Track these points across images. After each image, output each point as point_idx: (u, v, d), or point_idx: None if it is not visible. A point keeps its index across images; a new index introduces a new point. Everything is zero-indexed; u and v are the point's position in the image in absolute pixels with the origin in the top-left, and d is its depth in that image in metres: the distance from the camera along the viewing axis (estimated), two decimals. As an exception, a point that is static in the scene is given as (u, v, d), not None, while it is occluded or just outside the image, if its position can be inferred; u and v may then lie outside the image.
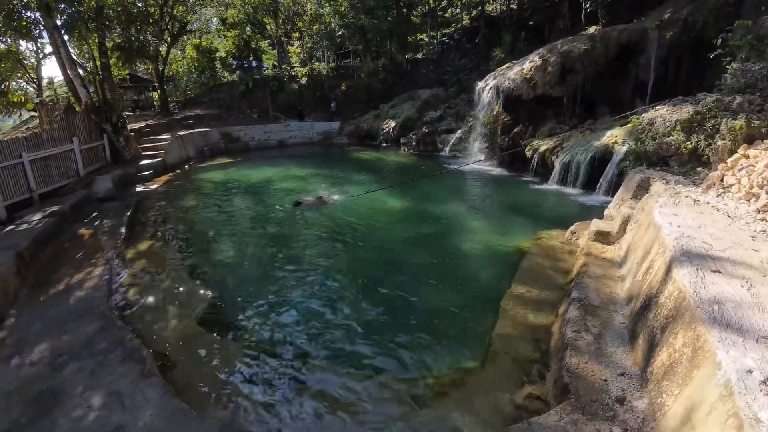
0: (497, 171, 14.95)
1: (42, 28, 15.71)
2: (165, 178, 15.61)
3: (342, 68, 32.64)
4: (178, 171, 17.16)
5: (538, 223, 8.87)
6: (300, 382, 4.51)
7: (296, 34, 35.74)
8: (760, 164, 6.48)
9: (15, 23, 15.52)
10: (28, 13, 15.74)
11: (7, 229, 8.52)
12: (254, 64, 27.09)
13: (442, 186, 12.92)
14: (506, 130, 15.33)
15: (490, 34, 26.51)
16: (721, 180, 6.98)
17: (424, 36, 32.75)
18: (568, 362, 3.99)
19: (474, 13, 32.05)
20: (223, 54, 27.39)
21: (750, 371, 2.69)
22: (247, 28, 26.53)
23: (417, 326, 5.43)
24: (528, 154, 13.66)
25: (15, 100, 19.35)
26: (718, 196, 6.53)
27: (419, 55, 31.49)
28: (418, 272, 6.99)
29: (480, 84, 17.21)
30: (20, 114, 23.49)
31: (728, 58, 10.08)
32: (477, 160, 15.77)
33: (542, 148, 13.18)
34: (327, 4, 30.68)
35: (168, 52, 25.47)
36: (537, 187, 12.36)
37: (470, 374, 4.45)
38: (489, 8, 31.02)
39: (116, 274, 7.14)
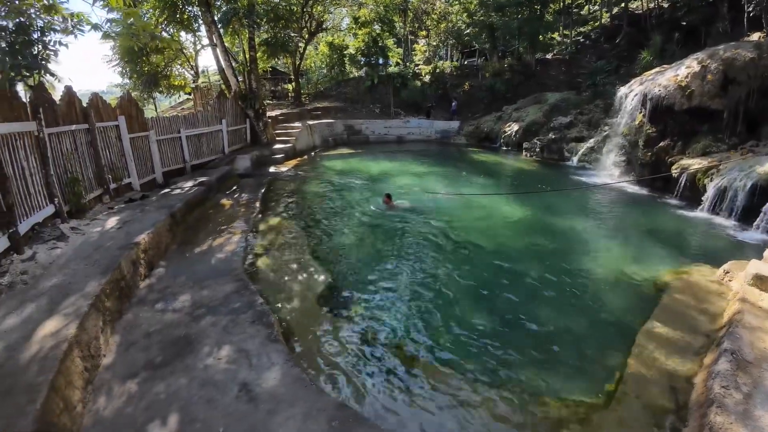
0: (634, 189, 13.33)
1: (201, 22, 17.91)
2: (294, 162, 17.07)
3: (466, 67, 32.13)
4: (305, 157, 18.63)
5: (682, 255, 7.71)
6: (405, 376, 4.56)
7: (423, 33, 36.10)
8: None
9: (177, 16, 18.02)
10: (190, 8, 18.14)
11: (163, 191, 10.08)
12: (380, 61, 28.07)
13: (566, 198, 11.97)
14: (650, 144, 13.55)
15: (634, 34, 23.76)
16: None
17: (556, 35, 30.55)
18: (713, 420, 3.43)
19: (615, 10, 29.00)
20: (352, 51, 28.87)
21: None
22: (377, 27, 27.55)
23: (532, 346, 5.11)
24: (674, 174, 11.96)
25: (176, 83, 22.80)
26: None
27: (549, 55, 29.49)
28: (535, 289, 6.56)
29: (623, 89, 15.51)
30: (179, 95, 27.43)
31: None
32: (616, 181, 14.29)
33: (693, 168, 11.43)
34: (456, 2, 30.38)
35: (305, 48, 27.66)
36: (682, 212, 10.75)
37: (592, 411, 4.06)
38: (633, 5, 27.77)
39: (251, 243, 7.92)
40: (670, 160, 12.58)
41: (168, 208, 8.37)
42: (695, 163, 11.57)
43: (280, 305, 5.88)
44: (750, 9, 16.31)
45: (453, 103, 26.77)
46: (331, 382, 4.45)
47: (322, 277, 6.82)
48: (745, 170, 10.00)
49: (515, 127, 21.23)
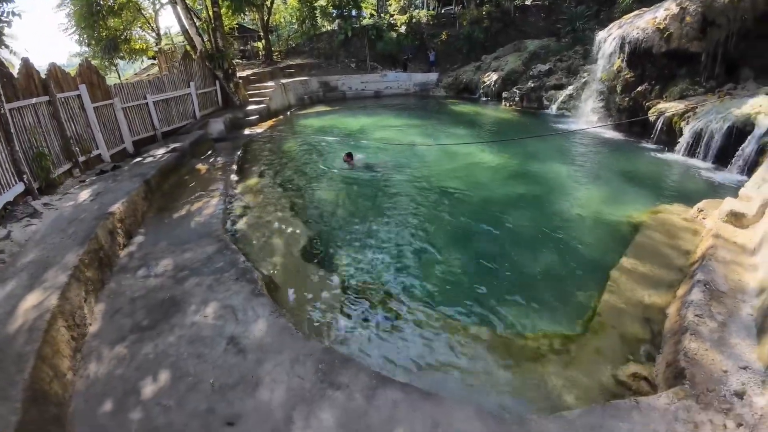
0: (611, 134, 13.42)
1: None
2: (269, 123, 16.56)
3: (443, 16, 30.95)
4: (281, 117, 18.07)
5: (657, 196, 7.91)
6: (394, 319, 4.71)
7: (397, -20, 34.36)
8: None
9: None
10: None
11: (135, 161, 9.76)
12: (353, 12, 26.83)
13: (546, 145, 12.02)
14: (627, 89, 13.50)
15: (615, -23, 23.09)
16: None
17: (536, -20, 29.51)
18: (687, 346, 3.62)
19: (596, -49, 27.95)
20: (323, 2, 27.46)
21: None
22: None
23: (513, 286, 5.29)
24: (652, 118, 12.03)
25: (137, 47, 21.50)
26: None
27: (528, 1, 28.58)
28: (516, 231, 6.75)
29: (602, 33, 15.21)
30: (142, 61, 26.03)
31: None
32: (593, 126, 14.31)
33: (670, 112, 11.50)
34: (433, -54, 28.85)
35: (272, 2, 26.13)
36: (659, 155, 10.92)
37: (570, 342, 4.27)
38: None
39: (229, 205, 7.86)
40: (647, 104, 12.61)
41: (141, 176, 8.17)
42: (672, 107, 11.62)
43: (263, 262, 5.94)
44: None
45: (431, 54, 26.02)
46: (318, 329, 4.57)
47: (303, 233, 6.86)
48: (722, 113, 10.10)
49: (494, 76, 20.87)
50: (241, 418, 3.16)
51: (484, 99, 21.27)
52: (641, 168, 10.02)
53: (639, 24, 13.27)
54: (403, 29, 28.27)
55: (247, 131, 14.84)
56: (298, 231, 6.95)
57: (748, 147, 9.02)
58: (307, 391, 3.36)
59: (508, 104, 19.08)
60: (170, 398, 3.39)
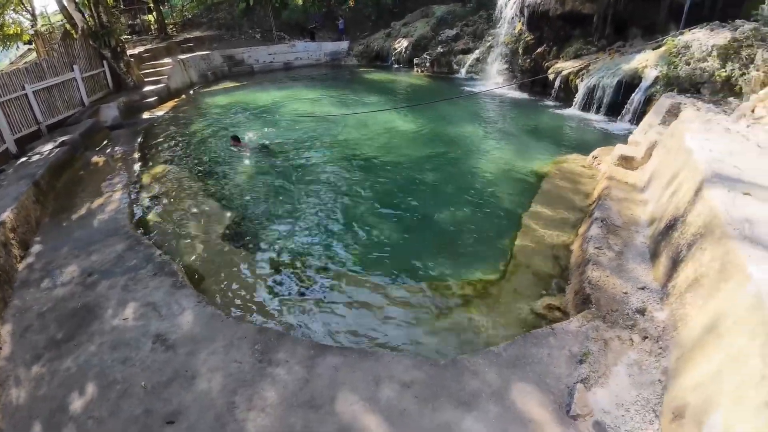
0: (516, 93, 14.28)
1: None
2: (171, 104, 15.21)
3: (350, -19, 30.15)
4: (183, 96, 16.66)
5: (559, 148, 8.69)
6: (326, 290, 4.74)
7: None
8: None
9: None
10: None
11: (20, 161, 8.53)
12: (253, -23, 25.10)
13: (457, 108, 12.47)
14: (528, 50, 14.37)
15: (513, -59, 23.98)
16: (752, 111, 6.70)
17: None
18: (590, 275, 4.11)
19: None
20: None
21: None
22: None
23: (437, 241, 5.58)
24: (551, 77, 12.95)
25: (10, 33, 18.44)
26: (748, 126, 6.28)
27: (434, -34, 28.80)
28: (435, 192, 7.05)
29: (503, -2, 15.91)
30: (17, 47, 22.49)
31: None
32: (498, 86, 15.04)
33: (566, 71, 12.47)
34: None
35: None
36: (558, 111, 11.89)
37: (492, 285, 4.64)
38: None
39: (135, 197, 7.26)
40: (546, 65, 13.56)
41: (29, 177, 7.21)
42: (568, 66, 12.61)
43: (183, 252, 5.61)
44: None
45: (339, 23, 25.34)
46: (250, 310, 4.47)
47: (223, 217, 6.56)
48: (612, 69, 11.16)
49: (405, 43, 20.97)
50: (181, 414, 3.06)
51: (396, 66, 21.36)
52: (544, 123, 10.86)
53: (536, -13, 13.99)
54: (309, -4, 27.09)
55: (146, 115, 13.51)
56: (216, 215, 6.62)
57: (636, 98, 10.10)
58: (247, 374, 3.32)
59: (419, 70, 19.36)
60: (102, 409, 3.20)
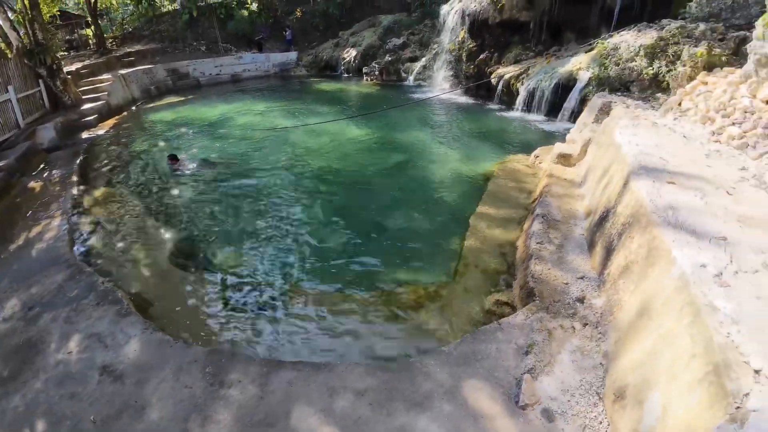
0: (462, 99, 14.79)
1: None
2: (112, 121, 14.53)
3: (295, -9, 30.07)
4: (125, 113, 15.96)
5: (504, 149, 9.07)
6: (278, 306, 4.69)
7: (242, -46, 32.08)
8: (718, 90, 6.73)
9: None
10: None
11: None
12: (198, -11, 24.53)
13: (406, 115, 12.74)
14: (471, 57, 14.95)
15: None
16: (679, 104, 7.24)
17: (383, -45, 30.24)
18: (533, 269, 4.32)
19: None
20: None
21: (704, 266, 2.87)
22: None
23: (389, 249, 5.67)
24: (493, 81, 13.51)
25: None
26: (675, 119, 6.82)
27: (379, -24, 29.30)
28: (387, 199, 7.16)
29: (445, 7, 16.42)
30: None
31: None
32: (445, 92, 15.47)
33: (507, 75, 13.05)
34: None
35: None
36: (502, 114, 12.42)
37: (443, 287, 4.77)
38: None
39: (76, 223, 6.87)
40: (489, 70, 14.14)
41: None
42: (509, 71, 13.21)
43: (127, 278, 5.38)
44: None
45: (287, 33, 25.20)
46: (200, 333, 4.35)
47: (169, 238, 6.35)
48: (549, 72, 11.80)
49: (353, 52, 21.18)
50: (130, 446, 2.93)
51: (346, 75, 21.51)
52: (489, 126, 11.31)
53: (476, -3, 14.59)
54: (254, 7, 26.76)
55: (85, 135, 12.82)
56: (162, 237, 6.39)
57: (573, 98, 10.72)
58: (198, 398, 3.24)
59: (369, 79, 19.61)
60: (51, 448, 3.01)
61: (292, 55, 23.96)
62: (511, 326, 3.65)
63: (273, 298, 4.84)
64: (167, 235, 6.46)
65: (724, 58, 7.95)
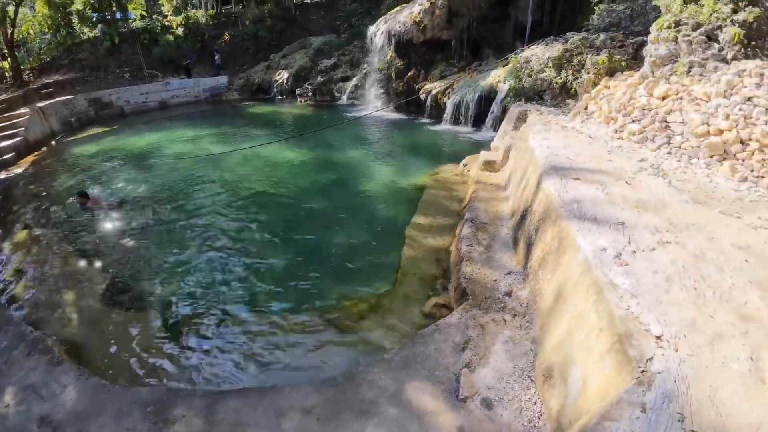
0: (395, 115, 15.35)
1: None
2: (31, 158, 13.51)
3: (223, 15, 29.61)
4: (45, 149, 14.87)
5: (435, 160, 9.57)
6: (220, 335, 4.64)
7: (166, -21, 31.20)
8: (618, 93, 7.59)
9: None
10: None
11: None
12: (118, 15, 23.54)
13: (341, 134, 12.99)
14: (400, 75, 15.64)
15: (378, -23, 25.86)
16: (586, 108, 8.06)
17: (311, -21, 30.79)
18: (465, 270, 4.65)
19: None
20: (79, 6, 23.30)
21: (604, 249, 3.28)
22: None
23: (331, 265, 5.80)
24: (422, 97, 14.19)
25: None
26: (582, 122, 7.60)
27: (308, 0, 29.76)
28: (325, 218, 7.28)
29: (372, 29, 17.04)
30: None
31: (596, 0, 11.24)
32: (377, 109, 15.96)
33: (434, 91, 13.78)
34: (200, -58, 27.14)
35: (17, 11, 20.94)
36: (432, 127, 13.07)
37: (384, 297, 4.97)
38: None
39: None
40: (417, 86, 14.90)
41: None
42: (436, 86, 13.98)
43: (58, 323, 5.09)
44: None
45: (216, 57, 24.77)
46: (139, 373, 4.23)
47: (101, 278, 6.03)
48: (472, 86, 12.62)
49: (285, 74, 21.26)
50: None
51: (279, 97, 21.50)
52: (420, 139, 11.88)
53: (400, 19, 15.36)
54: (180, 31, 26.08)
55: (3, 174, 11.86)
56: (93, 278, 6.06)
57: (495, 109, 11.52)
58: (142, 439, 3.16)
59: (302, 100, 19.78)
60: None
61: (223, 79, 23.57)
62: (447, 326, 3.91)
63: (213, 328, 4.77)
64: (96, 275, 6.13)
65: (624, 63, 8.94)
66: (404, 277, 5.24)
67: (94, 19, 22.88)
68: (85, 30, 26.36)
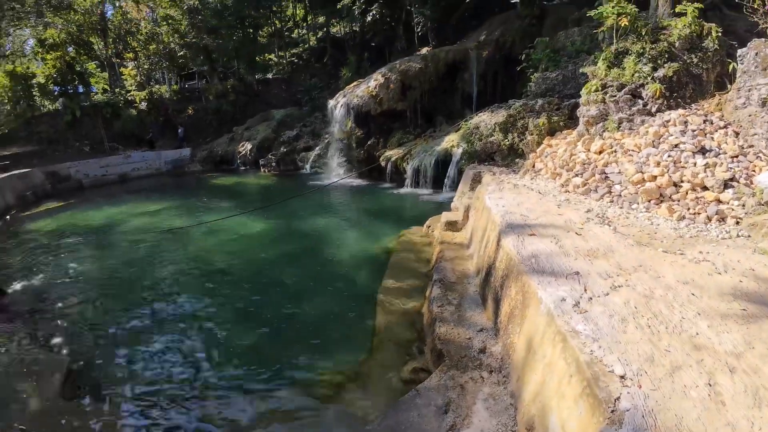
0: (357, 182, 15.94)
1: None
2: (-22, 236, 12.70)
3: (187, 90, 30.52)
4: (-2, 224, 14.09)
5: (399, 223, 9.85)
6: (193, 419, 4.35)
7: (130, 55, 32.04)
8: (560, 150, 8.37)
9: None
10: None
11: None
12: (81, 89, 23.73)
13: (306, 203, 13.19)
14: (360, 144, 16.55)
15: (337, 54, 27.96)
16: (533, 166, 8.79)
17: (272, 56, 32.70)
18: (439, 332, 4.72)
19: (320, 34, 33.37)
20: (41, 80, 23.36)
21: (564, 299, 3.47)
22: (70, 49, 23.14)
23: (306, 336, 5.66)
24: (383, 164, 14.94)
25: None
26: (531, 179, 8.23)
27: (270, 75, 31.38)
28: (294, 288, 7.17)
29: (331, 102, 18.13)
30: None
31: (532, 70, 12.73)
32: (341, 177, 16.53)
33: (394, 157, 14.58)
34: (164, 23, 28.48)
35: None
36: (394, 191, 13.68)
37: (362, 365, 4.89)
38: (334, 30, 32.72)
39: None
40: (377, 153, 15.79)
41: None
42: (395, 153, 14.83)
43: (10, 419, 4.53)
44: (419, 30, 22.83)
45: (179, 130, 25.14)
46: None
47: (59, 366, 5.42)
48: (429, 151, 13.48)
49: (249, 146, 21.79)
50: None
51: (243, 168, 21.81)
52: (384, 204, 12.35)
53: (358, 92, 16.52)
54: (143, 105, 26.46)
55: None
56: (50, 366, 5.41)
57: (451, 171, 12.27)
58: None
59: (266, 170, 20.20)
60: None
61: (186, 152, 23.75)
62: (427, 390, 3.90)
63: (186, 411, 4.46)
64: (56, 363, 5.42)
65: (562, 123, 9.99)
66: (380, 344, 5.20)
67: (56, 92, 22.93)
68: (46, 103, 26.28)
